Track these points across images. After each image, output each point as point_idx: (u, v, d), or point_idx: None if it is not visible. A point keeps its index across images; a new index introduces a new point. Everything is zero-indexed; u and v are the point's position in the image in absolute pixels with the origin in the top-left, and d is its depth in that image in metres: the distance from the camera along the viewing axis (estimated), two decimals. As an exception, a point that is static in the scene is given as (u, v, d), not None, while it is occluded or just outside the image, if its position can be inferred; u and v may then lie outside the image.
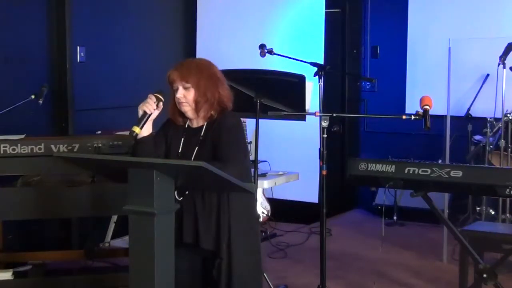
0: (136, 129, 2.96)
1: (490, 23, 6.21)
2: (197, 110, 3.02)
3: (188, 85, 3.00)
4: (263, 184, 4.91)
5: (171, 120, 3.14)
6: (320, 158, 3.75)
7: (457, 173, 2.91)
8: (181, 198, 2.94)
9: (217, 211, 2.96)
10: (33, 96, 4.44)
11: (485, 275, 3.23)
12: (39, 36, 5.36)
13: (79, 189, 4.19)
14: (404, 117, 3.48)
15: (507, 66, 5.25)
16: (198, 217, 2.95)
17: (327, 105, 4.40)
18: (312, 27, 6.35)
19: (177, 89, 3.02)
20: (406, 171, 3.00)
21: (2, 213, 4.15)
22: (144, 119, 2.98)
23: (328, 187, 3.81)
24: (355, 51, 7.22)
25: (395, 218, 6.43)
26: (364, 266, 5.22)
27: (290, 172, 5.21)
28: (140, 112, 2.99)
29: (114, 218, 5.36)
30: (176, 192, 2.81)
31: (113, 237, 5.42)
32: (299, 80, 4.19)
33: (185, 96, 3.01)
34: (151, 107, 2.99)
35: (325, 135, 3.73)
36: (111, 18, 5.93)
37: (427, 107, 3.29)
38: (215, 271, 2.98)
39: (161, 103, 3.02)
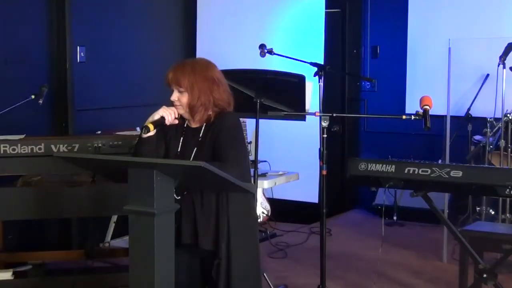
0: (151, 126, 2.94)
1: (490, 23, 6.21)
2: (192, 114, 3.01)
3: (182, 89, 2.98)
4: (263, 184, 4.91)
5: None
6: (320, 158, 3.75)
7: (457, 173, 2.91)
8: (179, 198, 2.92)
9: (216, 212, 2.96)
10: (33, 96, 4.44)
11: (485, 275, 3.23)
12: (39, 36, 5.36)
13: (79, 189, 4.19)
14: (404, 117, 3.49)
15: (507, 66, 5.25)
16: (197, 218, 2.95)
17: (327, 105, 4.39)
18: (312, 27, 6.35)
19: (172, 91, 3.02)
20: (406, 171, 3.00)
21: (2, 213, 4.15)
22: (159, 123, 2.97)
23: (328, 187, 3.82)
24: (355, 51, 7.22)
25: (395, 218, 6.43)
26: (364, 266, 5.22)
27: (290, 172, 5.21)
28: (158, 116, 2.96)
29: (114, 218, 5.37)
30: (174, 192, 2.81)
31: (113, 237, 5.42)
32: (299, 80, 4.19)
33: (179, 99, 3.00)
34: (171, 118, 2.99)
35: (325, 135, 3.73)
36: (111, 18, 5.93)
37: (427, 107, 3.29)
38: (214, 271, 2.97)
39: (176, 120, 3.02)
